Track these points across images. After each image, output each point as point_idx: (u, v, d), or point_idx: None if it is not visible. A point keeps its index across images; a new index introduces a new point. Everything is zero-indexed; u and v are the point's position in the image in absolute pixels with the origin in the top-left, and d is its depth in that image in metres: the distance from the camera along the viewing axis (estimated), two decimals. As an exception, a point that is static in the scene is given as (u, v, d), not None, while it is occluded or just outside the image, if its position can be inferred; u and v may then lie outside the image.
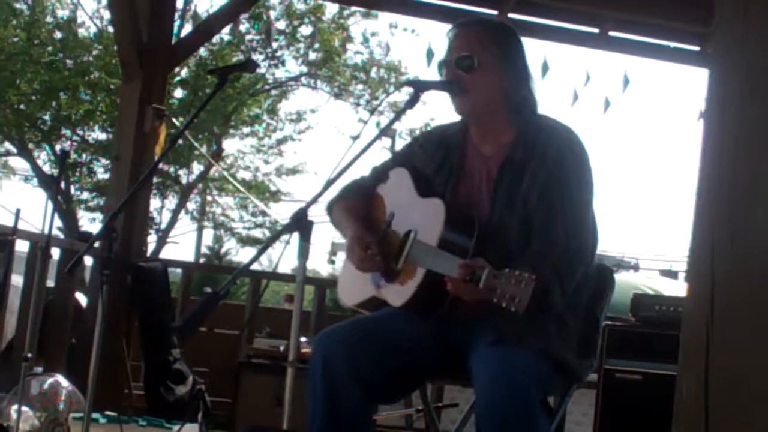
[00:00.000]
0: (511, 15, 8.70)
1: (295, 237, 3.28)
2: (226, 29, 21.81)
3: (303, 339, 7.19)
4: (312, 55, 27.16)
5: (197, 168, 28.48)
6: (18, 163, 29.38)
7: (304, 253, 3.30)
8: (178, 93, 25.59)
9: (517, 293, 3.09)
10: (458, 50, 3.76)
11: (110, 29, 22.52)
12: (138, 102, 7.96)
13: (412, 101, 3.61)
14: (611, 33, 9.21)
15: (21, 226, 6.22)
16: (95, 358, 4.05)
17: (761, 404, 2.68)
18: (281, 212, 30.72)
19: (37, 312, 6.53)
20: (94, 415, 5.38)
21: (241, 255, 35.18)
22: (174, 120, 9.49)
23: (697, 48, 9.30)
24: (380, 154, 25.77)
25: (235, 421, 7.18)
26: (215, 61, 24.34)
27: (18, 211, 6.08)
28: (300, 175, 31.85)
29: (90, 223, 27.97)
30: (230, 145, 29.95)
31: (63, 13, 26.34)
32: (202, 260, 32.94)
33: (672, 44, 9.36)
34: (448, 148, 3.87)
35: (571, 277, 3.53)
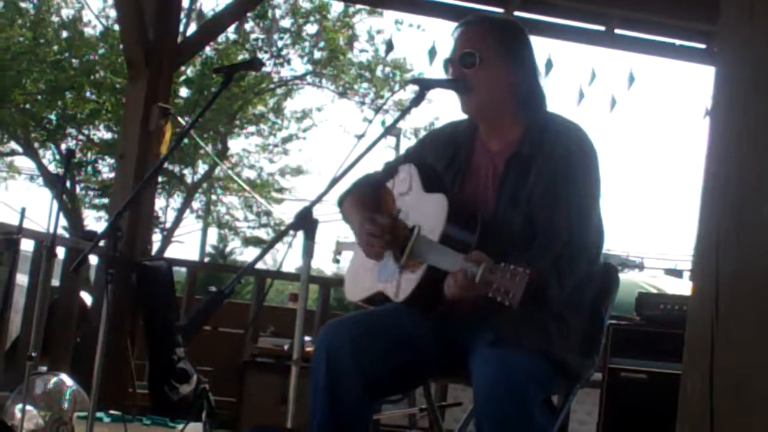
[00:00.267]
0: (516, 13, 8.69)
1: (300, 236, 3.28)
2: (232, 28, 21.83)
3: (307, 338, 7.19)
4: (317, 54, 27.18)
5: (202, 167, 28.53)
6: (23, 162, 29.45)
7: (308, 251, 3.30)
8: (184, 92, 25.62)
9: (511, 287, 3.09)
10: (462, 48, 3.75)
11: (116, 28, 22.60)
12: (143, 101, 7.96)
13: (418, 99, 3.60)
14: (617, 31, 9.20)
15: (26, 225, 6.22)
16: (100, 357, 4.05)
17: (766, 403, 2.67)
18: (286, 212, 30.72)
19: (41, 311, 6.53)
20: (99, 414, 5.38)
21: (246, 254, 35.22)
22: (179, 119, 9.48)
23: (703, 46, 9.28)
24: (385, 153, 25.81)
25: (240, 420, 7.18)
26: (221, 60, 24.35)
27: (23, 210, 6.09)
28: (304, 176, 31.85)
29: (95, 221, 28.05)
30: (235, 145, 29.95)
31: (69, 12, 26.40)
32: (206, 259, 32.93)
33: (678, 42, 9.35)
34: (456, 145, 3.87)
35: (570, 272, 3.51)
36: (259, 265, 4.49)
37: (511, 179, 3.68)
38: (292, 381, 3.28)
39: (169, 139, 8.02)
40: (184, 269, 9.39)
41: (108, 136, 26.49)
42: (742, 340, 2.73)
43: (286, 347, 7.42)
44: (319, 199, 3.40)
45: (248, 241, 33.20)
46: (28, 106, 25.63)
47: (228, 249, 36.24)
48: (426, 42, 9.55)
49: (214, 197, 31.36)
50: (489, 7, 8.76)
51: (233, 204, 31.89)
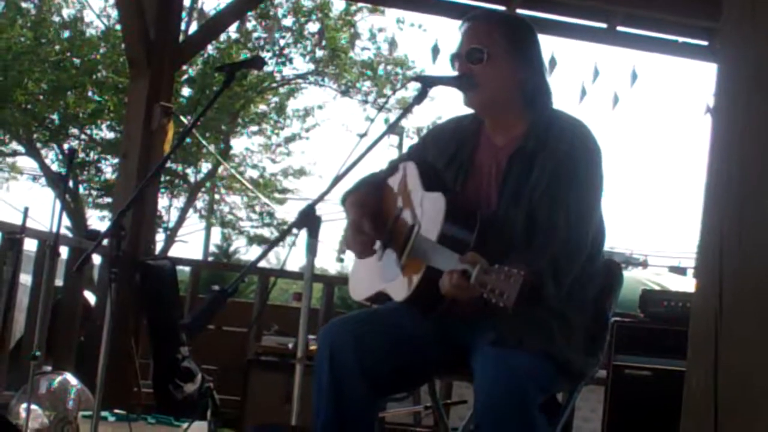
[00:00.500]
0: (519, 10, 8.68)
1: (303, 234, 3.29)
2: (233, 27, 21.82)
3: (311, 336, 7.18)
4: (319, 53, 27.15)
5: (205, 166, 28.52)
6: (26, 162, 29.44)
7: (312, 249, 3.30)
8: (186, 91, 25.61)
9: (506, 289, 3.08)
10: (469, 43, 3.74)
11: (117, 27, 22.59)
12: (146, 100, 7.96)
13: (420, 97, 3.60)
14: (619, 28, 9.19)
15: (29, 224, 6.23)
16: (104, 357, 4.05)
17: (770, 399, 2.68)
18: (289, 212, 30.71)
19: (45, 310, 6.54)
20: (103, 414, 5.39)
21: (249, 254, 35.20)
22: (182, 118, 9.49)
23: (705, 43, 9.28)
24: (388, 152, 25.81)
25: (244, 419, 7.17)
26: (222, 58, 24.33)
27: (26, 210, 6.09)
28: (307, 177, 31.82)
29: (98, 221, 28.05)
30: (238, 144, 29.96)
31: (70, 12, 26.38)
32: (210, 258, 32.92)
33: (680, 39, 9.34)
34: (460, 141, 3.86)
35: (568, 270, 3.50)
36: (263, 264, 4.49)
37: (514, 175, 3.67)
38: (296, 379, 3.28)
39: (171, 138, 8.02)
40: (187, 268, 9.39)
41: (110, 135, 26.47)
42: (745, 336, 2.74)
43: (290, 346, 7.41)
44: (321, 198, 3.40)
45: (252, 240, 33.19)
46: (30, 106, 25.61)
47: (231, 248, 36.25)
48: (428, 41, 9.57)
49: (217, 196, 31.35)
50: (491, 4, 8.76)
51: (236, 203, 31.88)
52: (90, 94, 25.63)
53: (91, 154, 26.92)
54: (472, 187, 3.77)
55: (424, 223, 3.62)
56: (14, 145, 28.49)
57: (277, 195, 30.79)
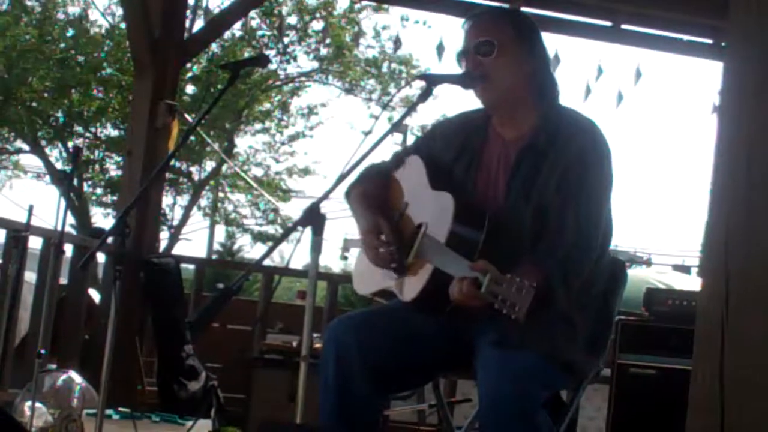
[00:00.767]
0: (523, 8, 8.65)
1: (307, 233, 3.28)
2: (238, 25, 21.82)
3: (315, 334, 7.18)
4: (323, 50, 27.15)
5: (209, 164, 28.53)
6: (30, 160, 29.45)
7: (316, 247, 3.30)
8: (190, 89, 25.62)
9: (517, 301, 3.07)
10: (476, 38, 3.72)
11: (122, 25, 22.59)
12: (150, 98, 7.96)
13: (424, 95, 3.59)
14: (624, 26, 9.18)
15: (34, 222, 6.22)
16: (108, 354, 4.05)
17: (776, 397, 2.67)
18: (293, 210, 30.70)
19: (50, 308, 6.53)
20: (108, 411, 5.39)
21: (254, 252, 35.19)
22: (186, 116, 9.48)
23: (709, 41, 9.26)
24: (392, 150, 25.78)
25: (248, 417, 7.17)
26: (227, 56, 24.33)
27: (31, 208, 6.08)
28: (312, 176, 31.80)
29: (103, 219, 28.07)
30: (242, 143, 29.95)
31: (74, 10, 26.38)
32: (214, 256, 32.92)
33: (685, 37, 9.33)
34: (468, 135, 3.84)
35: (577, 273, 3.50)
36: (267, 262, 4.50)
37: (523, 170, 3.66)
38: (300, 377, 3.28)
39: (176, 136, 8.02)
40: (192, 266, 9.39)
41: (115, 133, 26.49)
42: (751, 334, 2.73)
43: (294, 344, 7.41)
44: (326, 196, 3.40)
45: (256, 238, 33.19)
46: (34, 104, 25.63)
47: (236, 246, 36.25)
48: (432, 39, 9.55)
49: (221, 194, 31.35)
50: (495, 2, 8.76)
51: (240, 201, 31.88)
52: (94, 92, 25.62)
53: (96, 152, 26.91)
54: (480, 181, 3.76)
55: (431, 222, 3.61)
56: (19, 143, 28.52)
57: (281, 194, 30.77)
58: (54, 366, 6.70)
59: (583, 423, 7.28)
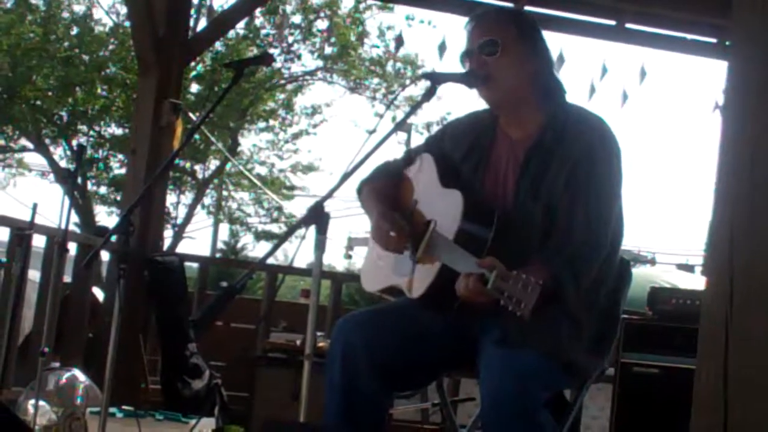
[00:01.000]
0: (527, 7, 8.66)
1: (311, 232, 3.28)
2: (242, 24, 21.83)
3: (319, 333, 7.18)
4: (327, 49, 27.15)
5: (213, 163, 28.54)
6: (34, 158, 29.47)
7: (320, 246, 3.30)
8: (194, 88, 25.62)
9: (523, 298, 3.07)
10: (480, 37, 3.72)
11: (126, 24, 22.61)
12: (154, 96, 7.96)
13: (429, 94, 3.59)
14: (628, 25, 9.17)
15: (38, 221, 6.23)
16: (112, 353, 4.05)
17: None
18: (297, 208, 30.73)
19: (54, 307, 6.54)
20: (111, 410, 5.39)
21: (257, 250, 35.21)
22: (190, 114, 9.49)
23: (714, 40, 9.26)
24: (397, 149, 25.81)
25: (252, 416, 7.17)
26: (231, 55, 24.34)
27: (35, 206, 6.09)
28: (316, 173, 31.78)
29: (107, 217, 28.09)
30: (246, 141, 29.94)
31: (79, 9, 26.40)
32: (218, 255, 32.93)
33: (689, 36, 9.32)
34: (477, 135, 3.84)
35: (586, 272, 3.50)
36: (271, 261, 4.50)
37: (531, 169, 3.65)
38: (304, 376, 3.28)
39: (180, 135, 8.03)
40: (195, 265, 9.39)
41: (119, 132, 26.51)
42: (756, 333, 2.73)
43: (298, 342, 7.41)
44: (330, 194, 3.40)
45: (260, 237, 33.20)
46: (38, 102, 25.65)
47: (239, 245, 36.27)
48: (437, 39, 9.52)
49: (225, 193, 31.36)
50: (499, 1, 8.76)
51: (244, 200, 31.90)
52: (99, 90, 25.64)
53: (100, 150, 26.93)
54: (489, 181, 3.76)
55: (441, 219, 3.61)
56: (23, 141, 28.53)
57: (285, 192, 30.79)
58: (58, 364, 6.70)
59: (587, 422, 7.27)
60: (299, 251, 3.67)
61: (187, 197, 29.57)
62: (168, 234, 27.01)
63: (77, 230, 22.11)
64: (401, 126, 3.85)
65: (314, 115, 29.00)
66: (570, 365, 3.53)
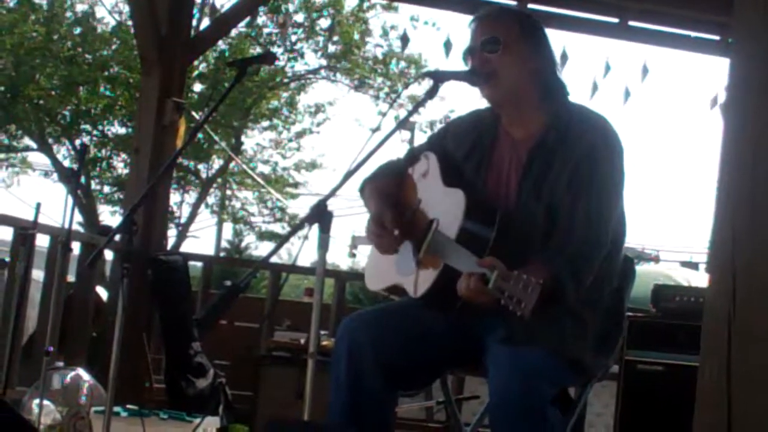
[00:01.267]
0: (530, 5, 8.67)
1: (314, 231, 3.29)
2: (244, 22, 21.83)
3: (323, 332, 7.18)
4: (331, 48, 27.14)
5: (217, 162, 28.55)
6: (37, 158, 29.49)
7: (323, 244, 3.30)
8: (198, 87, 25.64)
9: (523, 297, 3.08)
10: (483, 35, 3.73)
11: (129, 23, 22.61)
12: (157, 95, 7.97)
13: (432, 92, 3.59)
14: (631, 23, 9.17)
15: (41, 220, 6.23)
16: (116, 352, 4.06)
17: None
18: (300, 208, 30.76)
19: (57, 306, 6.55)
20: (116, 409, 5.40)
21: (261, 249, 35.24)
22: (193, 113, 9.49)
23: (716, 37, 9.25)
24: (400, 147, 25.81)
25: (256, 414, 7.17)
26: (234, 54, 24.36)
27: (38, 206, 6.09)
28: (319, 170, 31.84)
29: (110, 217, 28.11)
30: (249, 140, 29.97)
31: (82, 8, 26.42)
32: (221, 254, 32.96)
33: (692, 34, 9.31)
34: (479, 133, 3.84)
35: (587, 270, 3.50)
36: (274, 259, 4.50)
37: (534, 169, 3.66)
38: (308, 375, 3.29)
39: (183, 134, 8.03)
40: (199, 264, 9.40)
41: (122, 131, 26.54)
42: (759, 330, 2.73)
43: (302, 341, 7.41)
44: (333, 193, 3.40)
45: (263, 236, 33.22)
46: (42, 101, 25.66)
47: (243, 243, 36.29)
48: (441, 40, 9.51)
49: (228, 192, 31.37)
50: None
51: (248, 199, 31.91)
52: (102, 89, 25.67)
53: (103, 149, 26.95)
54: (491, 181, 3.76)
55: (443, 218, 3.61)
56: (26, 141, 28.56)
57: (288, 190, 30.80)
58: (62, 364, 6.71)
59: (591, 419, 7.28)
60: (303, 250, 3.67)
61: (191, 196, 29.62)
62: (172, 233, 27.08)
63: (81, 230, 22.11)
64: (404, 124, 3.85)
65: (317, 114, 29.02)
66: (575, 363, 3.53)
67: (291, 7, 25.84)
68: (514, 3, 8.61)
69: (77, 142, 26.56)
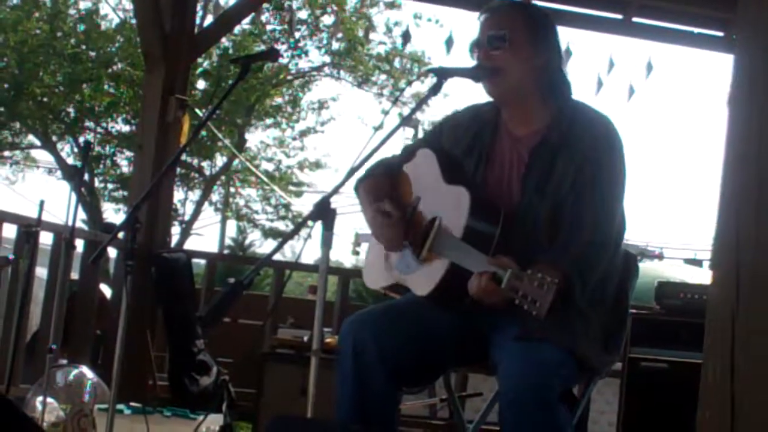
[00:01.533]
0: (535, 1, 8.65)
1: (318, 228, 3.28)
2: (248, 19, 21.82)
3: (326, 329, 7.17)
4: (335, 45, 27.16)
5: (220, 159, 28.57)
6: (41, 155, 29.54)
7: (327, 242, 3.30)
8: (201, 84, 25.66)
9: (539, 297, 3.08)
10: (489, 30, 3.73)
11: (133, 20, 22.62)
12: (161, 92, 7.96)
13: (435, 89, 3.58)
14: (635, 19, 9.16)
15: (45, 218, 6.23)
16: (119, 350, 4.05)
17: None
18: (304, 205, 30.77)
19: (61, 304, 6.54)
20: (119, 407, 5.40)
21: (265, 247, 35.26)
22: (197, 110, 9.49)
23: (720, 33, 9.24)
24: (402, 144, 25.79)
25: (260, 412, 7.16)
26: (237, 51, 24.36)
27: (42, 203, 6.09)
28: (323, 170, 31.87)
29: (114, 214, 28.14)
30: (253, 137, 30.01)
31: (85, 5, 26.46)
32: (225, 251, 32.98)
33: (696, 30, 9.30)
34: (478, 130, 3.84)
35: (593, 270, 3.51)
36: (278, 257, 4.50)
37: (537, 168, 3.66)
38: (312, 372, 3.29)
39: (187, 131, 8.03)
40: (203, 261, 9.39)
41: (126, 128, 26.56)
42: (762, 327, 2.73)
43: (305, 338, 7.41)
44: (336, 190, 3.40)
45: (267, 233, 33.24)
46: (45, 99, 25.71)
47: (247, 241, 36.32)
48: (444, 37, 9.49)
49: (232, 189, 31.39)
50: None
51: (252, 196, 31.94)
52: (106, 87, 25.69)
53: (107, 147, 26.98)
54: (492, 179, 3.76)
55: (446, 216, 3.60)
56: (30, 138, 28.59)
57: (292, 188, 30.82)
58: (65, 361, 6.71)
59: (594, 416, 7.27)
60: (306, 247, 3.67)
61: (195, 194, 29.63)
62: (175, 231, 27.09)
63: (84, 227, 22.13)
64: (407, 122, 3.84)
65: (321, 111, 29.02)
66: (584, 361, 3.53)
67: (294, 4, 25.86)
68: (519, -1, 8.60)
69: (81, 139, 26.56)
